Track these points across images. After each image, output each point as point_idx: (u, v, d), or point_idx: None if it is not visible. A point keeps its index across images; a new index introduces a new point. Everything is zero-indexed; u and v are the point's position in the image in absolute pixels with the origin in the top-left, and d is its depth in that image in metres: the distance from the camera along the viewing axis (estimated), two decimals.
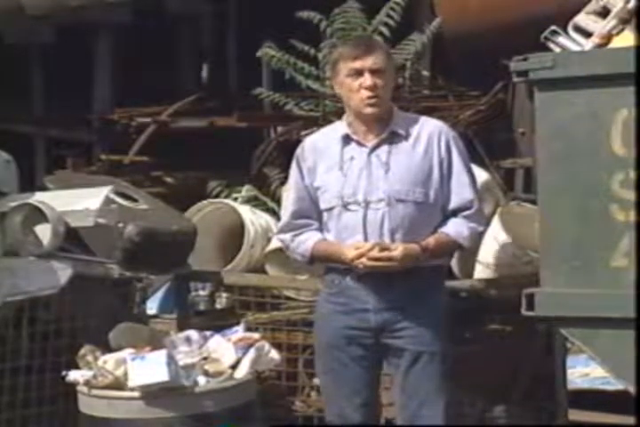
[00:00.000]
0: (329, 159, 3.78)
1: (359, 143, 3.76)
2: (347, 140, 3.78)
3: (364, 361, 3.78)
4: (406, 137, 3.76)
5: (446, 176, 3.76)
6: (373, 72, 3.69)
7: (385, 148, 3.74)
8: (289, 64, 5.99)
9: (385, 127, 3.76)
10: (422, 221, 3.74)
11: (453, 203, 3.78)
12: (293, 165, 3.88)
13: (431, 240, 3.72)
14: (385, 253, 3.63)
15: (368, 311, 3.73)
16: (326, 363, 3.86)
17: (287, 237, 3.88)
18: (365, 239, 3.68)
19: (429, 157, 3.75)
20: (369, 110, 3.71)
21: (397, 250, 3.64)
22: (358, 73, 3.70)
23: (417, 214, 3.71)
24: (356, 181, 3.71)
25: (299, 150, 3.89)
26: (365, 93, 3.69)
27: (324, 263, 3.87)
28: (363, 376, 3.80)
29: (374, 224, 3.68)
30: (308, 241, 3.81)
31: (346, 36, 5.96)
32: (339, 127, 3.84)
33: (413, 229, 3.71)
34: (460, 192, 3.79)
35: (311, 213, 3.84)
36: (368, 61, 3.69)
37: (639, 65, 3.40)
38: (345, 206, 3.71)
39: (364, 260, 3.63)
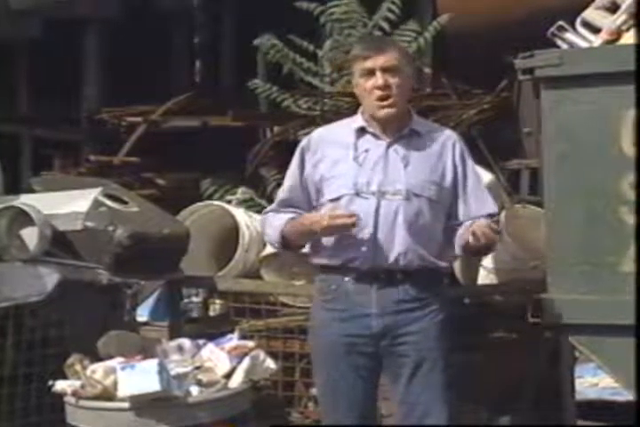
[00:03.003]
0: (340, 150, 3.79)
1: (376, 136, 3.78)
2: (362, 132, 3.80)
3: (364, 370, 3.78)
4: (424, 137, 3.80)
5: (461, 184, 3.79)
6: (385, 70, 3.70)
7: (404, 143, 3.77)
8: (288, 58, 5.99)
9: (404, 125, 3.78)
10: (432, 219, 3.75)
11: (472, 216, 3.76)
12: (296, 157, 3.88)
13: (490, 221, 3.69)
14: (491, 229, 3.55)
15: (369, 317, 3.73)
16: (324, 373, 3.85)
17: (268, 214, 3.91)
18: (375, 229, 3.69)
19: (444, 160, 3.78)
20: (382, 113, 3.72)
21: (493, 223, 3.60)
22: (370, 73, 3.72)
23: (428, 211, 3.73)
24: (370, 172, 3.72)
25: (304, 141, 3.90)
26: (377, 93, 3.70)
27: (292, 239, 3.81)
28: (362, 387, 3.79)
29: (387, 215, 3.69)
30: (286, 216, 3.83)
31: (345, 30, 5.97)
32: (354, 120, 3.85)
33: (424, 226, 3.72)
34: (483, 208, 3.79)
35: (300, 203, 3.86)
36: (379, 60, 3.71)
37: (639, 64, 3.41)
38: (357, 194, 3.72)
39: (343, 221, 3.58)
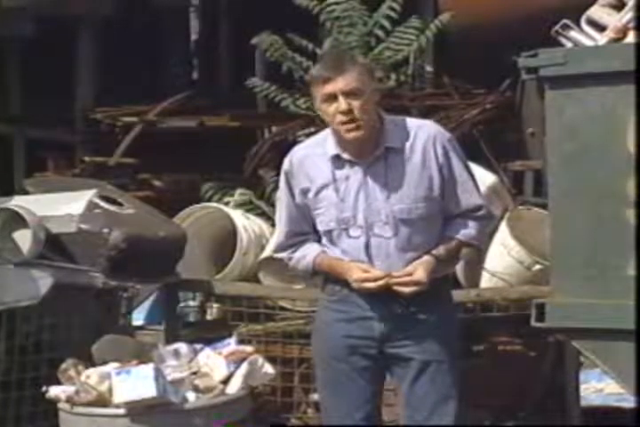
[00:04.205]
0: (320, 179, 3.75)
1: (352, 162, 3.73)
2: (338, 159, 3.75)
3: (367, 373, 3.78)
4: (402, 150, 3.72)
5: (449, 182, 3.75)
6: (347, 94, 3.64)
7: (381, 164, 3.71)
8: (287, 56, 5.99)
9: (377, 143, 3.72)
10: (428, 233, 3.74)
11: (462, 209, 3.79)
12: (282, 182, 3.86)
13: (441, 249, 3.75)
14: (409, 278, 3.65)
15: (371, 319, 3.73)
16: (326, 375, 3.86)
17: (284, 255, 3.91)
18: (370, 263, 3.70)
19: (428, 167, 3.72)
20: (349, 136, 3.67)
21: (419, 272, 3.66)
22: (332, 97, 3.65)
23: (422, 229, 3.72)
24: (353, 204, 3.70)
25: (286, 166, 3.85)
26: (342, 118, 3.64)
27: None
28: (365, 390, 3.80)
29: (379, 248, 3.70)
30: (307, 256, 3.83)
31: (345, 29, 5.98)
32: (327, 144, 3.78)
33: (421, 245, 3.72)
34: (468, 198, 3.79)
35: (305, 229, 3.86)
36: (339, 83, 3.63)
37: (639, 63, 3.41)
38: (345, 230, 3.72)
39: (370, 285, 3.65)
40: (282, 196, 3.89)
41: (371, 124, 3.69)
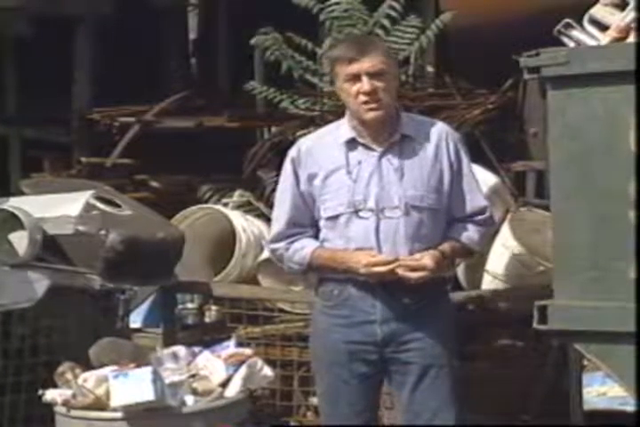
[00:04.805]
0: (331, 164, 3.77)
1: (367, 147, 3.77)
2: (352, 143, 3.78)
3: (367, 379, 3.78)
4: (416, 140, 3.79)
5: (456, 180, 3.80)
6: (371, 75, 3.69)
7: (396, 151, 3.76)
8: (287, 55, 5.99)
9: (394, 130, 3.77)
10: (435, 227, 3.77)
11: (467, 210, 3.82)
12: (288, 170, 3.86)
13: (447, 247, 3.77)
14: (418, 263, 3.66)
15: (373, 323, 3.73)
16: (325, 381, 3.86)
17: (281, 245, 3.88)
18: (378, 248, 3.70)
19: (439, 161, 3.78)
20: (370, 115, 3.72)
21: (426, 258, 3.67)
22: (356, 77, 3.70)
23: (430, 221, 3.75)
24: (366, 187, 3.72)
25: (294, 153, 3.87)
26: (364, 98, 3.69)
27: (321, 272, 3.86)
28: (364, 396, 3.80)
29: (387, 233, 3.71)
30: (305, 248, 3.82)
31: (344, 27, 5.98)
32: (340, 130, 3.83)
33: (428, 237, 3.75)
34: (473, 199, 3.84)
35: (306, 221, 3.85)
36: (365, 64, 3.69)
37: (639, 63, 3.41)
38: (355, 213, 3.72)
39: (381, 269, 3.65)
40: (286, 184, 3.88)
41: (389, 108, 3.76)
